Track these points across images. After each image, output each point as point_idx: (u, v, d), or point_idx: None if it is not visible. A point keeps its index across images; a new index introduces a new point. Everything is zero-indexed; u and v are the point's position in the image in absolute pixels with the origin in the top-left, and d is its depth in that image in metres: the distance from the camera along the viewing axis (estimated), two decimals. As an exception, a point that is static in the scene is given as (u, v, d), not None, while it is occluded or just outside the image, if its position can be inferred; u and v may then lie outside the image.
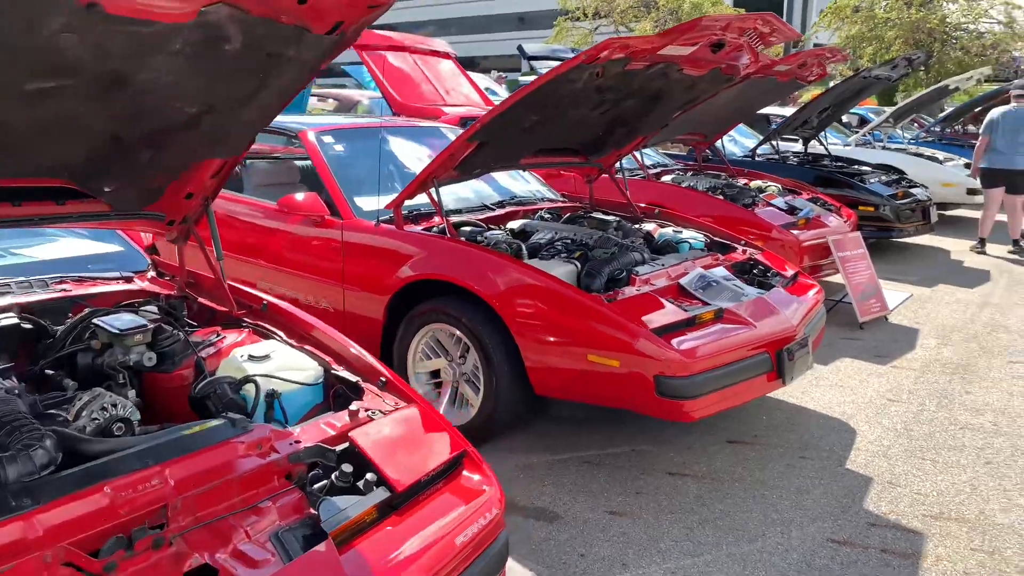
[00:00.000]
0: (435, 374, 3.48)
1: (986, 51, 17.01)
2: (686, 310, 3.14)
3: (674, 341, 2.93)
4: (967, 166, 9.97)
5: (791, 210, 5.83)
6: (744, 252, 4.04)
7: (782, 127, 7.89)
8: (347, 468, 1.77)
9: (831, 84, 7.43)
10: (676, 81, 3.65)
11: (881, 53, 17.46)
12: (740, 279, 3.71)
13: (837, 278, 5.64)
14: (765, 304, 3.35)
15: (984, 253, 8.06)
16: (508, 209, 4.21)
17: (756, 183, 6.69)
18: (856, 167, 8.36)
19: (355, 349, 2.23)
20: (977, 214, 9.31)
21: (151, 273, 2.77)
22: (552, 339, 3.04)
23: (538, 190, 4.85)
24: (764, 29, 3.22)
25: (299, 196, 3.72)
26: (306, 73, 1.99)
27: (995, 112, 8.37)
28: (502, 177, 4.72)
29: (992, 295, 6.27)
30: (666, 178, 6.46)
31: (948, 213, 10.57)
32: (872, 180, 7.70)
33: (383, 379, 2.12)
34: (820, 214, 5.85)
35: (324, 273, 3.73)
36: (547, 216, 4.25)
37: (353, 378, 2.14)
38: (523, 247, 3.56)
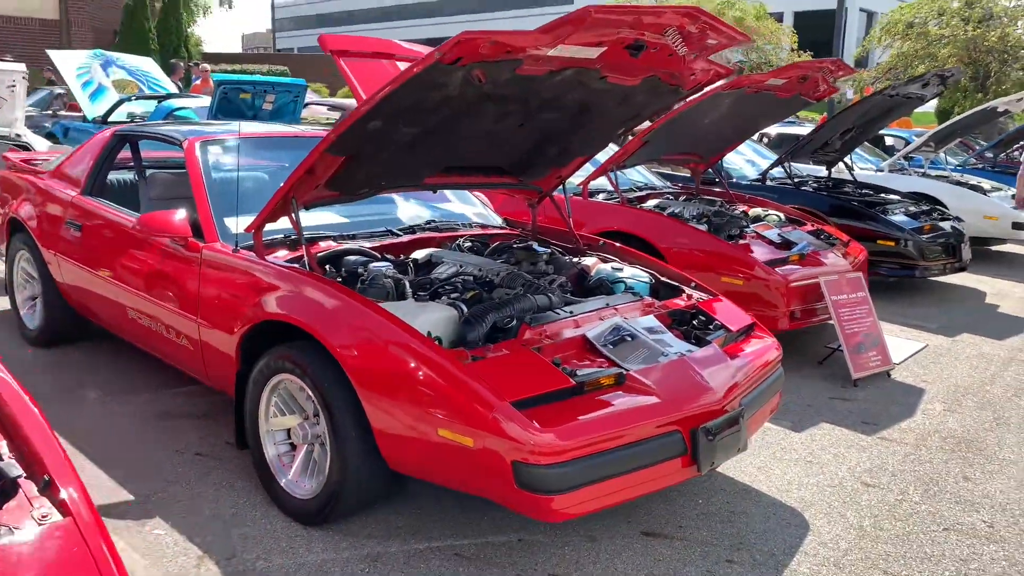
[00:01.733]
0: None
1: (1051, 72, 15.79)
2: (575, 375, 2.51)
3: (544, 417, 2.30)
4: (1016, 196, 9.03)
5: (785, 244, 5.11)
6: (689, 298, 3.38)
7: (796, 150, 7.14)
8: None
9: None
10: (602, 92, 3.03)
11: (934, 73, 16.37)
12: (675, 332, 3.06)
13: (835, 324, 4.90)
14: (684, 368, 2.70)
15: None
16: (421, 235, 3.63)
17: (755, 211, 5.97)
18: (883, 196, 7.55)
19: (38, 430, 1.67)
20: (1024, 251, 8.41)
21: None
22: (399, 404, 2.44)
23: (480, 213, 4.26)
24: (692, 28, 2.58)
25: (170, 214, 3.22)
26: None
27: None
28: (432, 198, 4.15)
29: (1023, 349, 5.43)
30: (651, 203, 5.80)
31: (995, 248, 9.62)
32: (896, 211, 6.89)
33: (47, 477, 1.56)
34: (818, 249, 5.12)
35: (182, 303, 3.20)
36: (467, 245, 3.66)
37: (14, 472, 1.58)
38: (407, 284, 2.97)
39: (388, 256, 3.32)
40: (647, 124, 5.28)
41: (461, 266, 3.27)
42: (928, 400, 4.39)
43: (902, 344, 5.40)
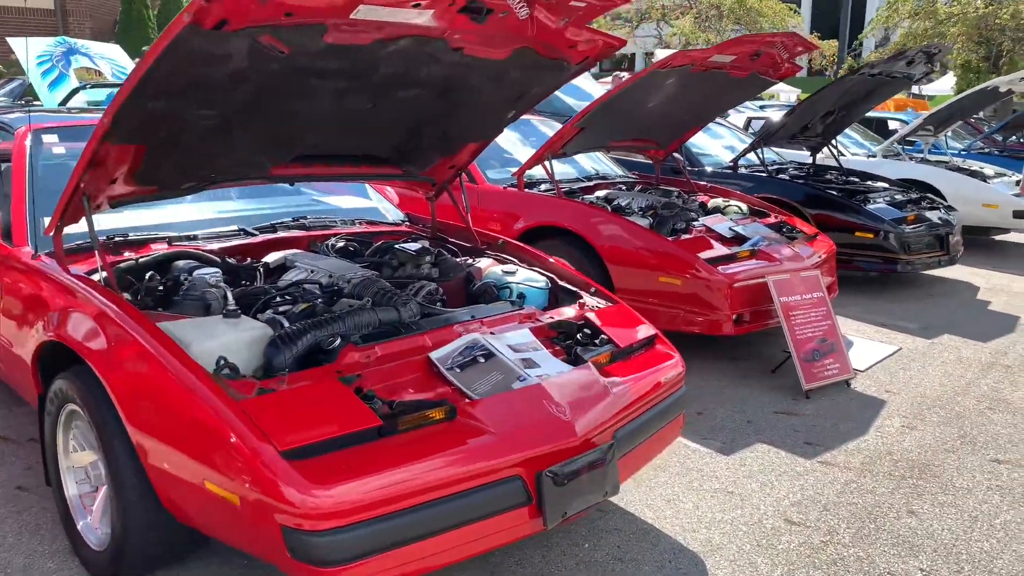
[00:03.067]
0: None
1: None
2: (391, 409, 2.07)
3: (329, 468, 1.86)
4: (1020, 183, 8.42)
5: (736, 238, 4.61)
6: (582, 306, 2.92)
7: (769, 134, 6.60)
8: None
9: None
10: (465, 67, 2.58)
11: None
12: (555, 348, 2.61)
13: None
14: (540, 396, 2.24)
15: None
16: (285, 235, 3.19)
17: (715, 201, 5.47)
18: (868, 184, 6.99)
19: None
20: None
21: None
22: (169, 447, 2.01)
23: (377, 208, 3.83)
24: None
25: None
26: None
27: None
28: (321, 191, 3.72)
29: (1008, 353, 4.89)
30: (600, 193, 5.31)
31: (998, 238, 9.01)
32: (879, 200, 6.34)
33: None
34: (774, 244, 4.61)
35: (-8, 317, 2.80)
36: (339, 245, 3.22)
37: None
38: (229, 295, 2.53)
39: (231, 260, 2.88)
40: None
41: (312, 271, 2.83)
42: (887, 415, 3.89)
43: (872, 347, 4.89)
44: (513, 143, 5.84)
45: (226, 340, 2.21)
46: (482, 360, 2.37)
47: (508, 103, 3.02)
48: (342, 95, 2.55)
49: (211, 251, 2.89)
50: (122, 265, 2.64)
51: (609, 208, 4.90)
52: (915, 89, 24.50)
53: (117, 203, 2.55)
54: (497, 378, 2.32)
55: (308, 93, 2.45)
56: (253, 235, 3.11)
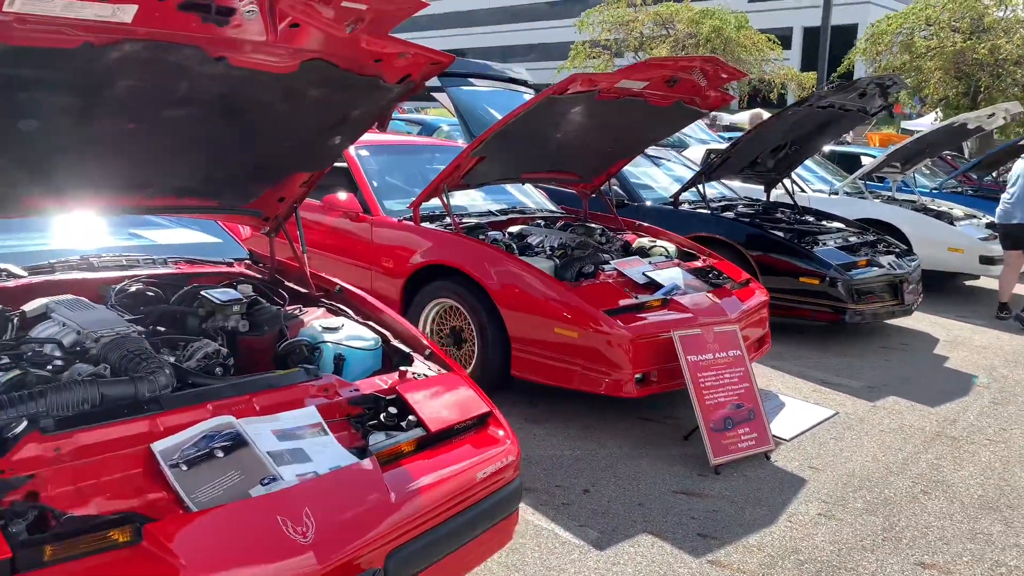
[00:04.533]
0: None
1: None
2: (58, 525, 1.53)
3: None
4: (990, 225, 7.97)
5: (650, 285, 4.10)
6: (403, 375, 2.39)
7: (712, 169, 6.12)
8: None
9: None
10: (240, 81, 2.10)
11: (920, 87, 15.32)
12: (350, 432, 2.08)
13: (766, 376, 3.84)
14: (275, 508, 1.71)
15: (1007, 319, 6.80)
16: (63, 277, 2.66)
17: (641, 241, 4.96)
18: (822, 224, 6.52)
19: None
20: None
21: None
22: None
23: (205, 243, 3.32)
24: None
25: None
26: None
27: (1021, 161, 6.58)
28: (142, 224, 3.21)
29: (956, 422, 4.36)
30: (513, 229, 4.80)
31: (968, 284, 8.54)
32: (828, 243, 5.85)
33: None
34: (691, 293, 4.09)
35: None
36: (132, 289, 2.69)
37: None
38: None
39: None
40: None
41: (64, 325, 2.31)
42: (804, 498, 3.35)
43: (806, 410, 4.36)
44: (430, 171, 5.35)
45: None
46: (221, 454, 1.84)
47: (328, 127, 2.52)
48: (79, 113, 2.04)
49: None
50: None
51: (516, 247, 4.39)
52: (904, 124, 24.30)
53: None
54: (233, 480, 1.79)
55: (23, 110, 1.94)
56: (19, 276, 2.58)
